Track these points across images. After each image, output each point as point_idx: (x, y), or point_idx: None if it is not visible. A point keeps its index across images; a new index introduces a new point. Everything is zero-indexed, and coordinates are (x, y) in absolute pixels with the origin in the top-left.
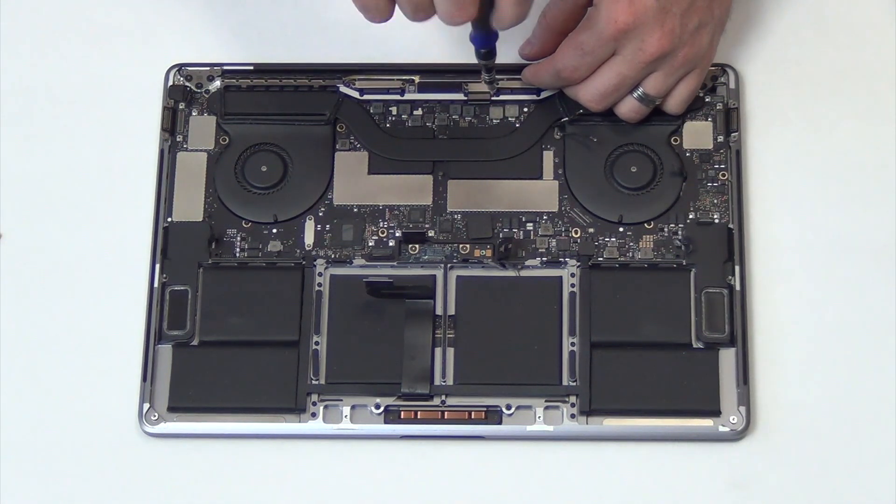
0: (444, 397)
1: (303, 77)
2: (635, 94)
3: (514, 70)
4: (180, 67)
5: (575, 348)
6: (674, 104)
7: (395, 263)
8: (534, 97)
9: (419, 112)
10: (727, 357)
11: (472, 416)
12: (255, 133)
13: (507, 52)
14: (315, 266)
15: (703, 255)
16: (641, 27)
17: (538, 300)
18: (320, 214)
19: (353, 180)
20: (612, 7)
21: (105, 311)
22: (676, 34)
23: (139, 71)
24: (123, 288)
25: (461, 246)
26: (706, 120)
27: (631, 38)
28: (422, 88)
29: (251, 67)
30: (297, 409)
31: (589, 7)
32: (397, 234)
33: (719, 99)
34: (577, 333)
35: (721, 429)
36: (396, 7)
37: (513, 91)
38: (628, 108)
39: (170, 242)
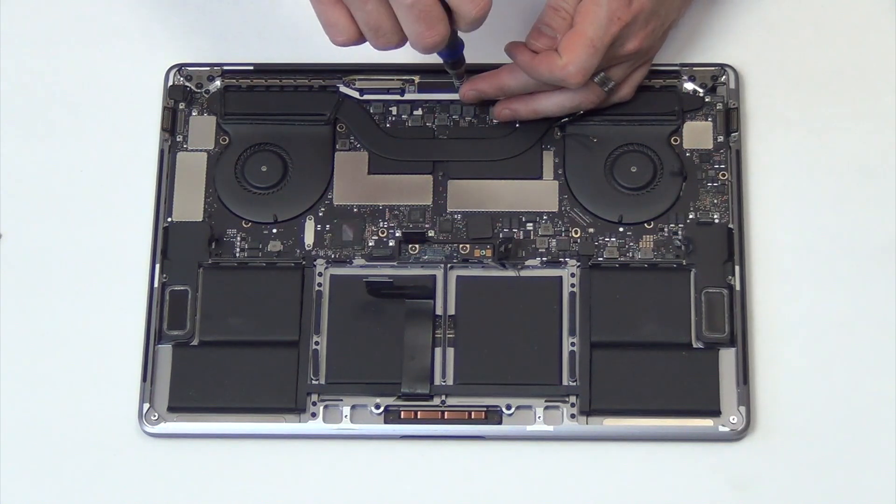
0: (444, 397)
1: (303, 77)
2: (596, 78)
3: None
4: (180, 67)
5: (575, 348)
6: (626, 92)
7: (395, 263)
8: None
9: (419, 112)
10: (727, 357)
11: (472, 416)
12: (255, 133)
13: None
14: (315, 266)
15: (703, 255)
16: (630, 25)
17: (538, 300)
18: (320, 214)
19: (353, 180)
20: (613, 3)
21: (105, 311)
22: (654, 35)
23: (139, 71)
24: (123, 288)
25: (461, 246)
26: (706, 120)
27: (616, 35)
28: (422, 88)
29: (251, 67)
30: (297, 409)
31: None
32: (397, 234)
33: (719, 99)
34: (577, 333)
35: (721, 429)
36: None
37: None
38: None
39: (170, 242)
